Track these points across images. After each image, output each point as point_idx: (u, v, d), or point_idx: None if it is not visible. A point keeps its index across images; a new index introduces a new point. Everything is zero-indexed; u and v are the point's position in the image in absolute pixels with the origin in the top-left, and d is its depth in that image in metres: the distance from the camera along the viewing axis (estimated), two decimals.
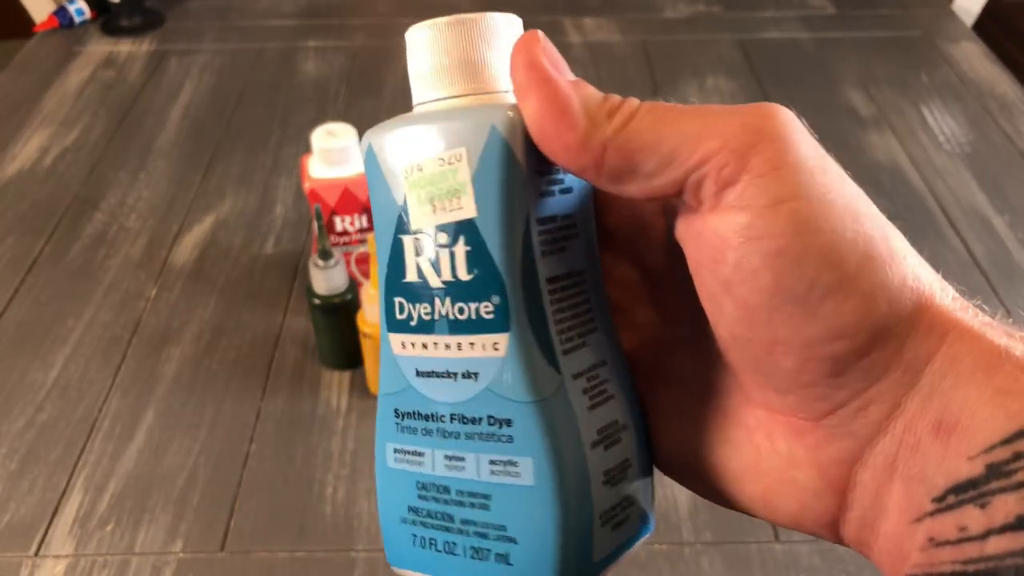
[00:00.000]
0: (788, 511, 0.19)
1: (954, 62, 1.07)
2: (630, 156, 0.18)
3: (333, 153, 0.64)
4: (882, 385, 0.17)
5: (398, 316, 0.21)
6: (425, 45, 0.21)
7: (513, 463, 0.20)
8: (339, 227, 0.67)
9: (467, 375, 0.20)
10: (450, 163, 0.20)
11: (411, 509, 0.22)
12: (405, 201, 0.21)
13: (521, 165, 0.20)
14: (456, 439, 0.21)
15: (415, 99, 0.21)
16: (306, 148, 0.66)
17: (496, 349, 0.20)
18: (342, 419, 0.64)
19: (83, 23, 1.17)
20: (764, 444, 0.19)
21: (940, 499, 0.16)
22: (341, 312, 0.63)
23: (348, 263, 0.69)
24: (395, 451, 0.22)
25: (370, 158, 0.21)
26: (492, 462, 0.20)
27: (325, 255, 0.61)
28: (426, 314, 0.21)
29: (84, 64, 1.10)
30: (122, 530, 0.57)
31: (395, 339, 0.21)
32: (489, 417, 0.20)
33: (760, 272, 0.17)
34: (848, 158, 1.04)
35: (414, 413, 0.21)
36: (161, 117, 0.99)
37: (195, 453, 0.62)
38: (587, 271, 0.21)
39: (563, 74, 0.19)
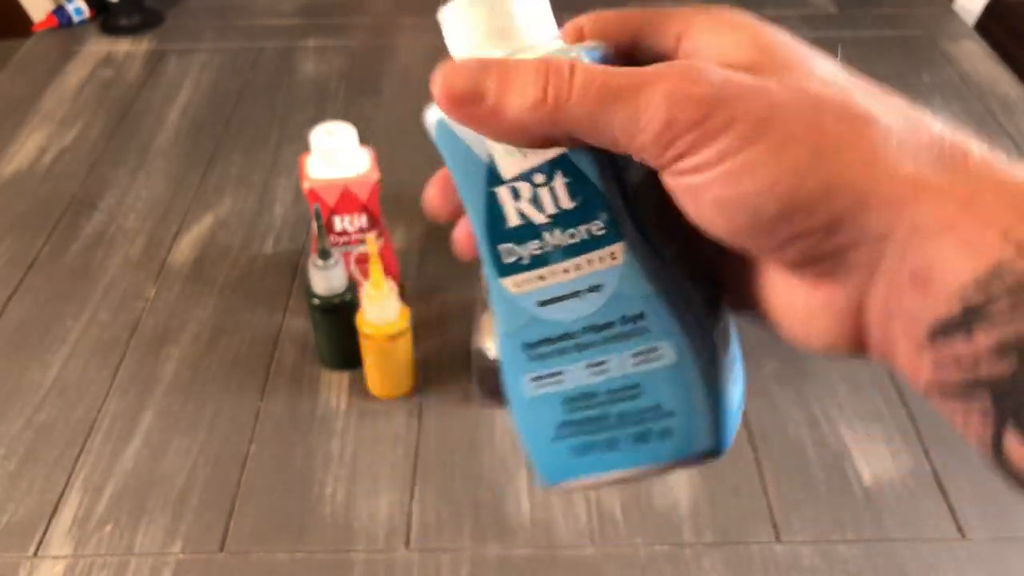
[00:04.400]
0: (822, 344, 0.22)
1: (955, 61, 1.07)
2: (573, 132, 0.20)
3: (332, 153, 0.64)
4: (857, 254, 0.19)
5: (506, 261, 0.23)
6: (476, 12, 0.22)
7: (654, 348, 0.23)
8: (338, 227, 0.67)
9: (591, 289, 0.23)
10: None
11: (561, 425, 0.24)
12: (491, 156, 0.22)
13: None
14: (593, 348, 0.23)
15: None
16: (305, 148, 0.66)
17: (614, 258, 0.22)
18: (341, 420, 0.64)
19: (82, 22, 1.17)
20: (787, 296, 0.22)
21: (931, 336, 0.18)
22: (340, 312, 0.63)
23: (347, 263, 0.69)
24: (532, 380, 0.24)
25: (442, 129, 0.22)
26: (634, 355, 0.23)
27: (324, 255, 0.61)
28: (537, 250, 0.23)
29: (83, 63, 1.09)
30: (121, 531, 0.57)
31: (509, 282, 0.23)
32: (622, 317, 0.22)
33: (714, 218, 0.20)
34: None
35: (544, 340, 0.23)
36: (160, 116, 0.99)
37: (194, 454, 0.62)
38: (646, 184, 0.23)
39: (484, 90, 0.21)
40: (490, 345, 0.60)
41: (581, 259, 0.22)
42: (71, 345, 0.70)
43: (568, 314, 0.23)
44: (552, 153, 0.22)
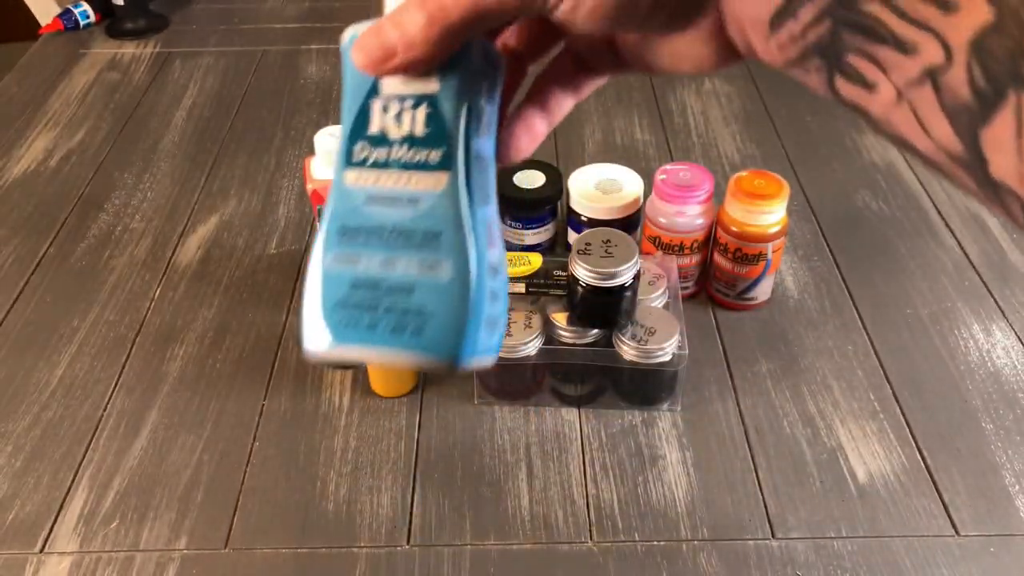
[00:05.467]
0: (700, 67, 0.28)
1: None
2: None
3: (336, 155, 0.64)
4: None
5: (355, 158, 0.28)
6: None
7: (438, 262, 0.27)
8: None
9: (411, 201, 0.27)
10: None
11: (340, 301, 0.27)
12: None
13: (473, 65, 0.27)
14: (393, 246, 0.27)
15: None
16: (309, 150, 0.67)
17: (437, 184, 0.27)
18: (344, 417, 0.65)
19: (88, 26, 1.18)
20: (663, 49, 0.28)
21: (771, 26, 0.24)
22: None
23: None
24: (334, 257, 0.28)
25: (351, 43, 0.27)
26: (421, 262, 0.27)
27: None
28: (383, 155, 0.27)
29: (89, 66, 1.11)
30: (126, 527, 0.58)
31: (350, 174, 0.28)
32: (425, 231, 0.27)
33: (598, 20, 0.24)
34: (844, 159, 1.03)
35: (359, 228, 0.28)
36: (165, 119, 1.00)
37: (199, 451, 0.62)
38: (490, 159, 0.29)
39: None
40: None
41: (413, 174, 0.27)
42: (77, 344, 0.71)
43: (385, 214, 0.27)
44: (426, 89, 0.27)
